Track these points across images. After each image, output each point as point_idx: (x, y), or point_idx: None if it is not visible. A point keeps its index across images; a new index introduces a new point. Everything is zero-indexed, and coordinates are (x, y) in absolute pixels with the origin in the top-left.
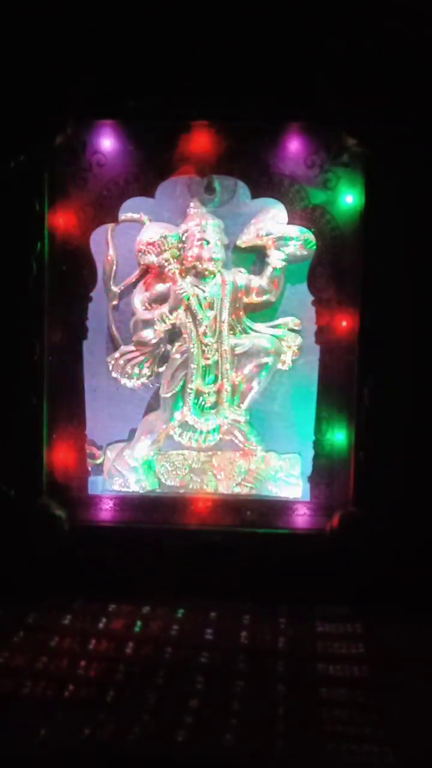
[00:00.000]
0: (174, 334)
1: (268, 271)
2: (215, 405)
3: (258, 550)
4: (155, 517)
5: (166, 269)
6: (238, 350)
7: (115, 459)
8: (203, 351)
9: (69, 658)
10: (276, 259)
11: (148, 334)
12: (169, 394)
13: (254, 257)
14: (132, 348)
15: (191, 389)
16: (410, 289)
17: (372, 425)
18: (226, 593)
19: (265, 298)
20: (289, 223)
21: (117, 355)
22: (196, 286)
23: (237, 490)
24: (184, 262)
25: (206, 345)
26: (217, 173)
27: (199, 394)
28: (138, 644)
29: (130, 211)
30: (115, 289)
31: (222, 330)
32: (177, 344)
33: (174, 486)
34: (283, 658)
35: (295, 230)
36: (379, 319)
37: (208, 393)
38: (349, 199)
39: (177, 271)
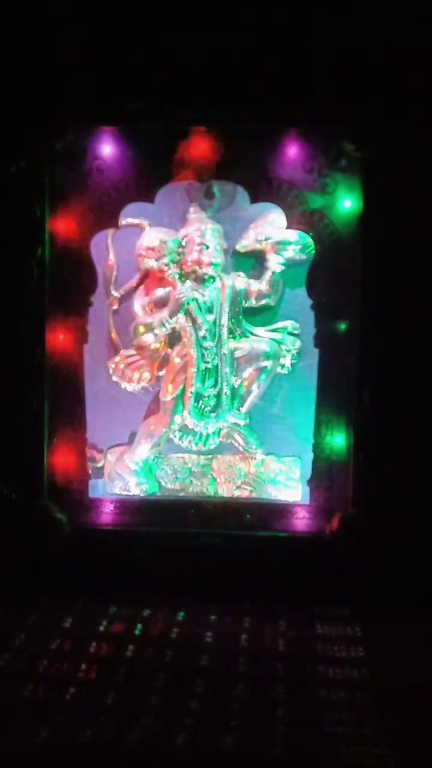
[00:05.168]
0: (174, 338)
1: (268, 275)
2: (215, 408)
3: (258, 552)
4: (155, 520)
5: (166, 274)
6: (237, 354)
7: (115, 462)
8: (203, 355)
9: (69, 661)
10: (275, 263)
11: (148, 339)
12: (169, 398)
13: (253, 262)
14: (132, 352)
15: (191, 393)
16: (409, 292)
17: (371, 428)
18: (226, 596)
19: (264, 302)
20: (287, 228)
21: (117, 359)
22: (196, 290)
23: (237, 493)
24: (183, 266)
25: (206, 349)
26: (216, 178)
27: (199, 397)
28: (138, 647)
29: (130, 216)
30: (115, 293)
31: (222, 334)
32: (177, 348)
33: (174, 489)
34: (282, 661)
35: (294, 235)
36: (378, 322)
37: (208, 396)
38: (347, 203)
39: (177, 276)
